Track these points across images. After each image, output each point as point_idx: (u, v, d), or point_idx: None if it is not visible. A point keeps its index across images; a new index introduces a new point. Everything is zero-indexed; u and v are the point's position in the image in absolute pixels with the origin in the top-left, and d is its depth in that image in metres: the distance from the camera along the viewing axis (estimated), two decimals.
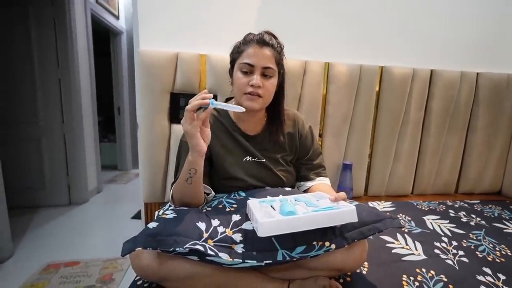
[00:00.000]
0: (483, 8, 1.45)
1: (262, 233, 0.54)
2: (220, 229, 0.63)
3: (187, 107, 0.62)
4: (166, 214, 0.67)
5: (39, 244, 1.68)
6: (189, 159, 0.66)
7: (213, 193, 0.79)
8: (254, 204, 0.65)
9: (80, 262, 1.50)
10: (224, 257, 0.58)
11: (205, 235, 0.61)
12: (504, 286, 0.75)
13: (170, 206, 0.76)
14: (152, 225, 0.62)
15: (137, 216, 2.11)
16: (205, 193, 0.76)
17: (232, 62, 0.82)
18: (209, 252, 0.57)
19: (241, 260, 0.59)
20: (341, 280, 0.74)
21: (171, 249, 0.57)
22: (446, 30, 1.43)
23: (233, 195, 0.79)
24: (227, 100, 0.91)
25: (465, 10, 1.43)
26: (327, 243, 0.63)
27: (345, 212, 0.59)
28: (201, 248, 0.57)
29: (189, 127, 0.63)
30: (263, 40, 0.76)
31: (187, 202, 0.73)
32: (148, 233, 0.59)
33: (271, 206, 0.65)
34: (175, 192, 0.74)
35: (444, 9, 1.40)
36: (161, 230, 0.60)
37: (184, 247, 0.56)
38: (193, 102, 0.62)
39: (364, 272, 0.78)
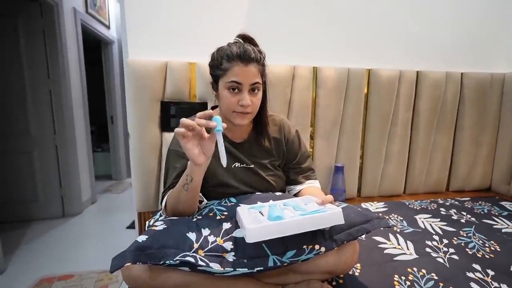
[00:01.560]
0: (466, 10, 1.49)
1: (250, 239, 0.55)
2: (211, 238, 0.63)
3: (195, 122, 0.60)
4: (156, 226, 0.67)
5: (32, 258, 1.65)
6: (187, 167, 0.67)
7: (205, 201, 0.80)
8: (243, 211, 0.66)
9: (74, 275, 1.48)
10: (215, 267, 0.58)
11: (196, 246, 0.60)
12: (493, 282, 0.76)
13: (160, 215, 0.76)
14: (141, 238, 0.61)
15: (132, 225, 2.09)
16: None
17: (215, 77, 0.78)
18: (200, 263, 0.57)
19: (232, 269, 0.59)
20: (334, 283, 0.74)
21: (161, 262, 0.57)
22: (430, 32, 1.47)
23: (224, 201, 0.79)
24: (213, 108, 0.92)
25: (448, 12, 1.47)
26: (316, 246, 0.64)
27: (331, 214, 0.60)
28: (192, 260, 0.57)
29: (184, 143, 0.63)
30: (247, 57, 0.72)
31: (180, 210, 0.72)
32: (137, 247, 0.59)
33: (260, 212, 0.66)
34: (169, 199, 0.73)
35: (428, 11, 1.44)
36: (151, 243, 0.59)
37: (174, 259, 0.56)
38: (201, 121, 0.61)
39: (356, 274, 0.79)
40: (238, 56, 0.72)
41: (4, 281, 1.44)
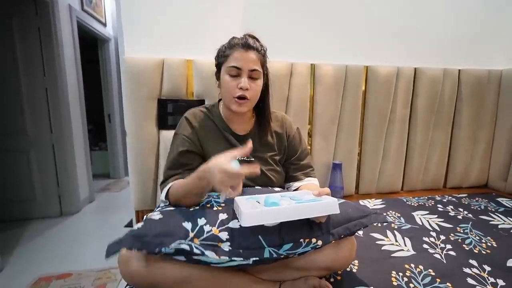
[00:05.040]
0: (463, 6, 1.49)
1: (245, 222, 0.56)
2: (207, 227, 0.63)
3: (239, 172, 0.57)
4: (153, 216, 0.68)
5: (30, 257, 1.64)
6: (207, 184, 0.65)
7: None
8: (241, 200, 0.67)
9: (72, 274, 1.48)
10: (211, 255, 0.58)
11: (191, 234, 0.61)
12: (489, 277, 0.77)
13: (159, 207, 0.76)
14: (138, 225, 0.62)
15: (130, 224, 2.08)
16: None
17: (218, 65, 0.85)
18: (195, 251, 0.58)
19: (227, 258, 0.59)
20: (332, 279, 0.74)
21: (156, 250, 0.57)
22: (428, 29, 1.46)
23: None
24: (219, 101, 0.93)
25: (446, 9, 1.47)
26: (313, 240, 0.64)
27: (326, 203, 0.61)
28: (187, 247, 0.57)
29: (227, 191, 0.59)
30: (248, 44, 0.79)
31: (184, 204, 0.73)
32: (133, 234, 0.60)
33: (257, 201, 0.67)
34: (175, 192, 0.73)
35: (426, 8, 1.44)
36: (147, 231, 0.60)
37: (170, 246, 0.57)
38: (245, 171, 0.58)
39: (354, 270, 0.79)
40: (240, 43, 0.79)
41: (2, 280, 1.44)
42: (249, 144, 0.63)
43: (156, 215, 0.67)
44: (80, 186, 2.34)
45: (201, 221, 0.65)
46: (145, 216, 0.81)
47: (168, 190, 0.76)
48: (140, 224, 0.64)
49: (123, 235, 0.60)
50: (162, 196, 0.78)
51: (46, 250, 1.73)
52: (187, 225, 0.63)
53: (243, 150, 0.62)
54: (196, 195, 0.70)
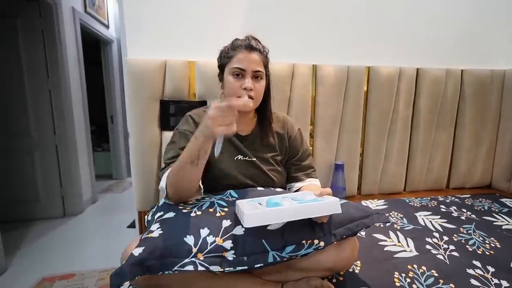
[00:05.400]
0: (466, 6, 1.48)
1: (247, 223, 0.56)
2: (210, 239, 0.61)
3: (231, 104, 0.59)
4: (152, 232, 0.63)
5: (34, 258, 1.65)
6: (202, 140, 0.63)
7: (202, 189, 0.77)
8: (242, 202, 0.67)
9: (75, 274, 1.48)
10: (216, 269, 0.58)
11: (194, 250, 0.59)
12: (493, 278, 0.76)
13: (157, 209, 0.75)
14: (138, 251, 0.58)
15: (132, 225, 2.09)
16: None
17: (221, 66, 0.85)
18: (200, 268, 0.57)
19: (232, 269, 0.59)
20: (334, 280, 0.74)
21: (160, 274, 0.57)
22: (430, 29, 1.46)
23: (225, 195, 0.79)
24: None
25: (448, 8, 1.46)
26: (316, 241, 0.64)
27: (328, 203, 0.61)
28: (191, 268, 0.57)
29: (224, 130, 0.59)
30: (251, 46, 0.80)
31: (182, 188, 0.71)
32: (134, 261, 0.56)
33: (259, 203, 0.67)
34: (173, 175, 0.69)
35: (428, 8, 1.44)
36: (147, 255, 0.57)
37: (173, 270, 0.56)
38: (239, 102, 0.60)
39: (356, 271, 0.79)
40: (243, 45, 0.80)
41: (5, 281, 1.45)
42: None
43: (155, 230, 0.63)
44: (83, 187, 2.36)
45: (204, 232, 0.62)
46: (146, 217, 0.80)
47: (166, 180, 0.72)
48: (139, 249, 0.58)
49: (124, 263, 0.56)
50: (161, 183, 0.74)
51: (49, 250, 1.74)
52: (190, 240, 0.60)
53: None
54: (192, 163, 0.65)
